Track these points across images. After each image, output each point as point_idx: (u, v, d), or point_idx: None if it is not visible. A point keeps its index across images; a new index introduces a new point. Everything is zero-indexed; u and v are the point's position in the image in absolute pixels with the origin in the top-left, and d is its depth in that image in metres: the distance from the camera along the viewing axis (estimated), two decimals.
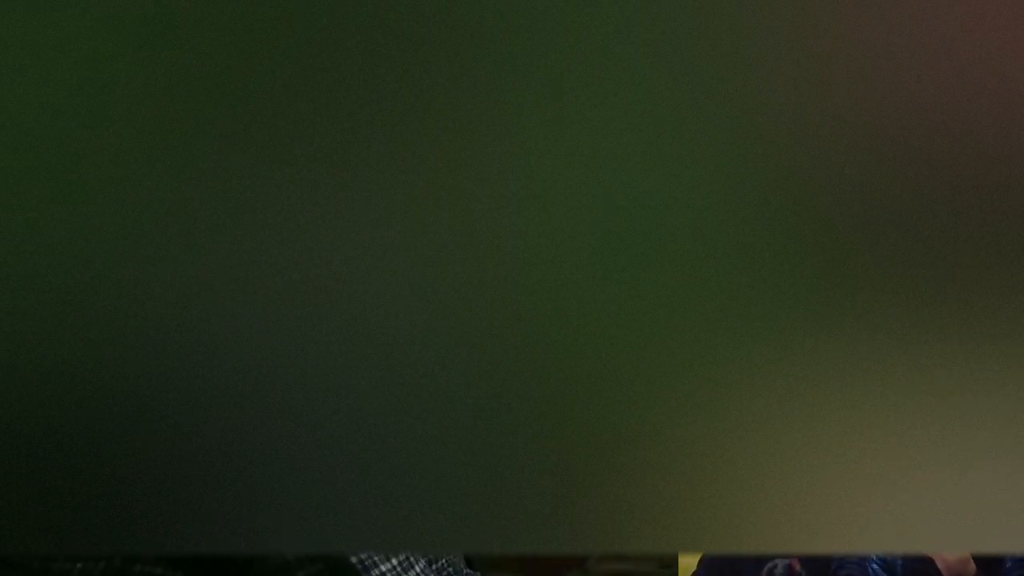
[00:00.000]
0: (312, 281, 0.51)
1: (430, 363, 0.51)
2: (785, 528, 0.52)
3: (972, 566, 1.97)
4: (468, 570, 1.34)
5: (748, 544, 0.52)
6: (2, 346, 0.51)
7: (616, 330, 0.51)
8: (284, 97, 0.49)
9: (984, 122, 0.50)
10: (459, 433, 0.51)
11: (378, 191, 0.50)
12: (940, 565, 1.97)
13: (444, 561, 1.29)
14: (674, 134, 0.50)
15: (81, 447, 0.51)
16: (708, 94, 0.49)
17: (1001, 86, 0.49)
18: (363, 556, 1.20)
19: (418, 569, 1.21)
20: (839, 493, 0.52)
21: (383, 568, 1.17)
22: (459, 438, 0.51)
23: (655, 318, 0.51)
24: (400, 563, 1.20)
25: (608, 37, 0.49)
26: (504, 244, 0.50)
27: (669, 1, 0.49)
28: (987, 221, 0.50)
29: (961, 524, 0.52)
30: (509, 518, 0.52)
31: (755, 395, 0.51)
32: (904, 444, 0.51)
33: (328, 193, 0.50)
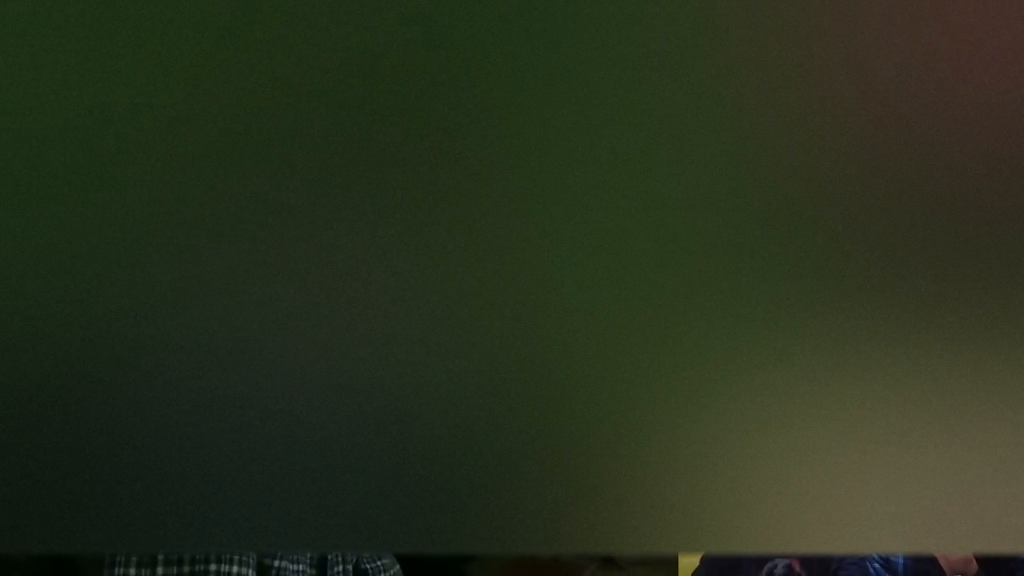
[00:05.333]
0: (320, 288, 0.51)
1: (433, 365, 0.51)
2: (785, 528, 0.52)
3: (974, 565, 1.96)
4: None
5: (748, 544, 0.52)
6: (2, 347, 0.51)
7: (617, 331, 0.51)
8: (309, 132, 0.49)
9: (982, 123, 0.50)
10: (459, 434, 0.51)
11: (383, 200, 0.50)
12: (942, 563, 1.97)
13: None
14: (674, 139, 0.50)
15: (78, 447, 0.51)
16: (707, 100, 0.49)
17: (999, 87, 0.49)
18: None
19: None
20: (839, 493, 0.52)
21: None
22: (459, 439, 0.51)
23: (656, 320, 0.51)
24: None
25: (604, 43, 0.49)
26: (503, 245, 0.50)
27: (666, 9, 0.49)
28: (987, 221, 0.50)
29: (961, 524, 0.52)
30: (509, 518, 0.52)
31: (755, 396, 0.51)
32: (904, 444, 0.51)
33: (337, 206, 0.50)
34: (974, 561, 1.98)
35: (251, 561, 1.19)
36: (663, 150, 0.50)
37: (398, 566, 1.46)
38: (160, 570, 1.14)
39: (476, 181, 0.50)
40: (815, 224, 0.50)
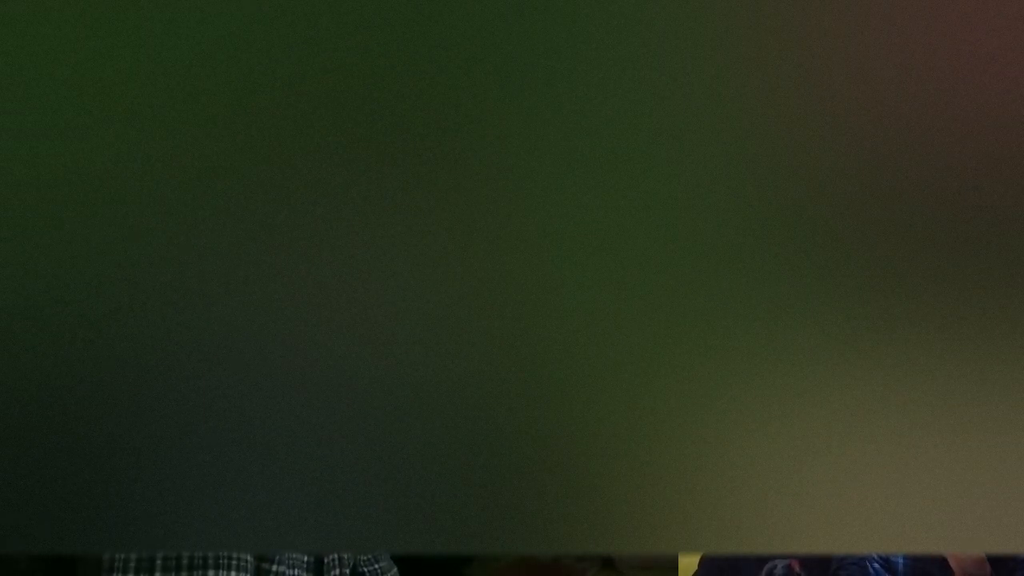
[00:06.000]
0: (320, 288, 0.51)
1: (432, 365, 0.51)
2: (785, 528, 0.52)
3: (987, 566, 1.96)
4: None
5: (748, 544, 0.52)
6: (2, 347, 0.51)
7: (617, 331, 0.51)
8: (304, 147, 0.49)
9: (981, 123, 0.50)
10: (460, 434, 0.51)
11: (372, 190, 0.50)
12: (953, 564, 1.96)
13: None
14: (674, 139, 0.50)
15: (79, 447, 0.51)
16: (707, 100, 0.49)
17: (999, 87, 0.49)
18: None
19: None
20: (839, 493, 0.52)
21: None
22: (460, 439, 0.51)
23: (656, 319, 0.51)
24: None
25: (604, 43, 0.49)
26: (503, 244, 0.50)
27: (665, 9, 0.49)
28: (986, 221, 0.50)
29: (961, 524, 0.52)
30: (509, 518, 0.52)
31: (755, 395, 0.51)
32: (904, 444, 0.51)
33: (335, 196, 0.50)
34: (987, 563, 1.97)
35: (249, 566, 1.18)
36: (663, 150, 0.50)
37: (395, 569, 1.46)
38: None
39: (476, 181, 0.50)
40: (815, 224, 0.50)
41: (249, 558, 1.18)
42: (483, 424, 0.51)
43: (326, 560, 1.30)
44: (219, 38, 0.49)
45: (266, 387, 0.51)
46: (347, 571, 1.34)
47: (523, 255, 0.50)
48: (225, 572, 1.15)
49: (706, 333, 0.51)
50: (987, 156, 0.50)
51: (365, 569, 1.39)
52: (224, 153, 0.50)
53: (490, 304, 0.51)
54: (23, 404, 0.51)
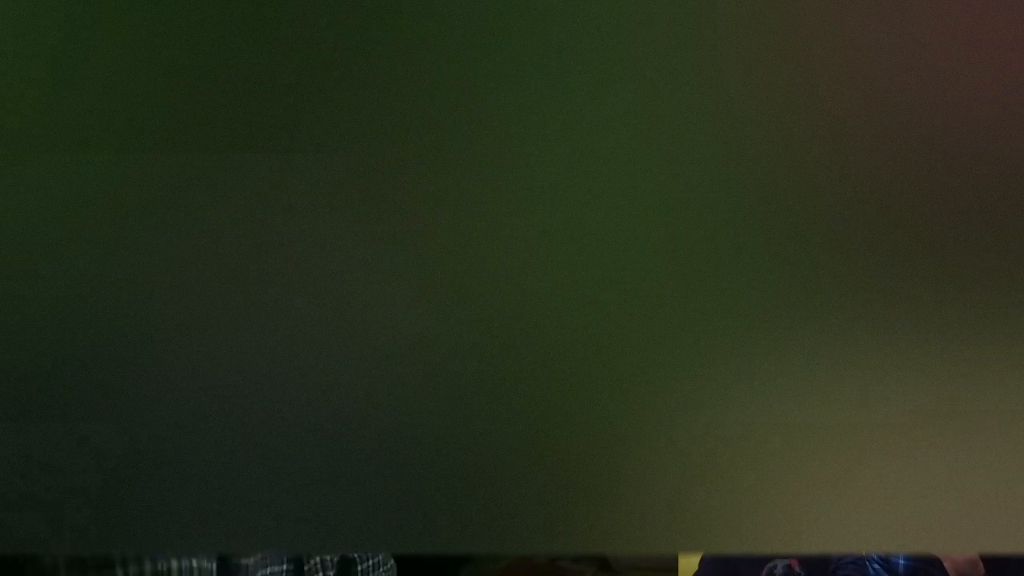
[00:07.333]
0: (318, 285, 0.51)
1: (430, 362, 0.51)
2: (785, 528, 0.52)
3: (981, 567, 1.96)
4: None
5: (748, 544, 0.52)
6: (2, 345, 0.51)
7: (617, 330, 0.51)
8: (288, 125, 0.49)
9: (982, 122, 0.50)
10: (458, 432, 0.51)
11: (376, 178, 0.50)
12: (947, 565, 1.96)
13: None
14: (674, 137, 0.50)
15: (76, 447, 0.51)
16: (707, 99, 0.49)
17: (1000, 86, 0.49)
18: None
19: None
20: (839, 493, 0.52)
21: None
22: (458, 438, 0.51)
23: (655, 318, 0.51)
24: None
25: (603, 42, 0.49)
26: (502, 244, 0.50)
27: (665, 8, 0.49)
28: (987, 221, 0.50)
29: (962, 524, 0.52)
30: (509, 518, 0.52)
31: (755, 395, 0.51)
32: (904, 444, 0.51)
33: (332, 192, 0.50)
34: (980, 564, 1.97)
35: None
36: (664, 148, 0.50)
37: (393, 561, 1.46)
38: None
39: (476, 180, 0.50)
40: (816, 223, 0.50)
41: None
42: (482, 423, 0.51)
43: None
44: (218, 34, 0.49)
45: (265, 386, 0.51)
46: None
47: (523, 253, 0.50)
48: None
49: (706, 332, 0.51)
50: (987, 156, 0.50)
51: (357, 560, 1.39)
52: (221, 151, 0.50)
53: (490, 303, 0.51)
54: (22, 404, 0.51)
